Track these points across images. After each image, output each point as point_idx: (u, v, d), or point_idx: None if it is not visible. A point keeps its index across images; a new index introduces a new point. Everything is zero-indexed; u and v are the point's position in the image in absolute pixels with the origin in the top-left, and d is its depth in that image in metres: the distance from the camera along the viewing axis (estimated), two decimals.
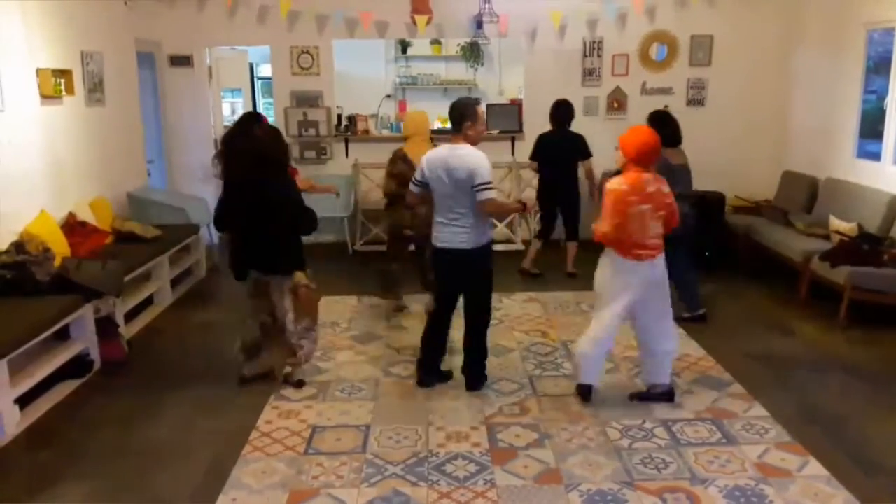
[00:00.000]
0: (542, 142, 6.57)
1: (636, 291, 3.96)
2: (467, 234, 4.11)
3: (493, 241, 4.38)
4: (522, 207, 4.39)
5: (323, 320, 5.62)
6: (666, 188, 3.96)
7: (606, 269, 4.03)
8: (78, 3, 6.03)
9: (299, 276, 4.28)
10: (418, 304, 5.72)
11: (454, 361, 4.60)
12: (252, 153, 4.07)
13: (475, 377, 4.40)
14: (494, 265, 4.34)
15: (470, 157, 4.03)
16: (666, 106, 7.88)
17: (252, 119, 4.72)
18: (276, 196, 4.13)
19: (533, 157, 6.63)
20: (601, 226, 3.93)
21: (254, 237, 4.20)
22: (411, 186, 4.28)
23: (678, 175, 4.97)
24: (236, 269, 4.37)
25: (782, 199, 7.45)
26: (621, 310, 4.01)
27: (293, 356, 4.41)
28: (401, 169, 5.20)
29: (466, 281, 4.27)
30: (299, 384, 4.43)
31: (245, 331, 4.47)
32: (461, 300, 4.39)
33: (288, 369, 4.45)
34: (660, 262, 4.00)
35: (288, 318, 4.32)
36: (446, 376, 4.50)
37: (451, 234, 4.12)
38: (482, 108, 4.23)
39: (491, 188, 4.01)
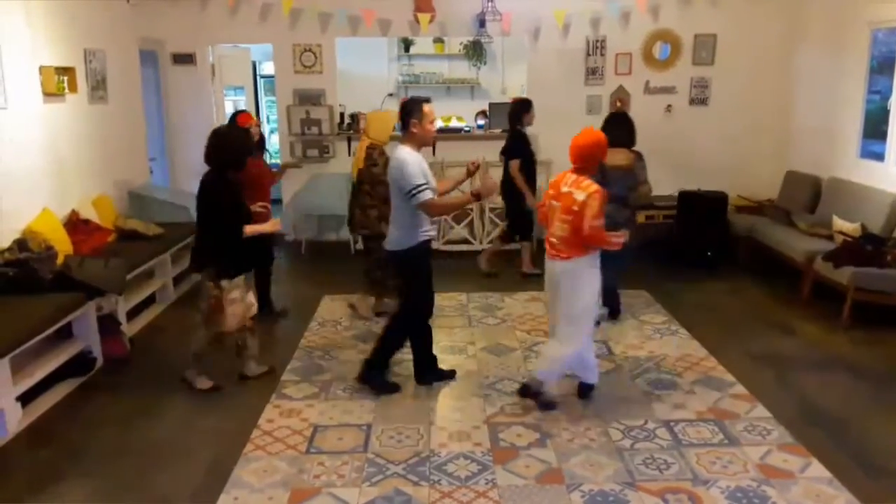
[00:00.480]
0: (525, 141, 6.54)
1: (546, 287, 4.13)
2: (395, 235, 4.15)
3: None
4: (476, 198, 4.10)
5: (324, 319, 5.65)
6: (580, 196, 3.79)
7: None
8: (81, 2, 6.03)
9: (209, 285, 4.22)
10: None
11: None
12: (206, 147, 4.20)
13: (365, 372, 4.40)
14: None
15: (395, 160, 4.02)
16: (669, 107, 7.91)
17: (231, 117, 5.00)
18: (204, 190, 4.18)
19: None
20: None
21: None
22: (430, 193, 4.18)
23: (610, 176, 4.73)
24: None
25: (785, 199, 7.43)
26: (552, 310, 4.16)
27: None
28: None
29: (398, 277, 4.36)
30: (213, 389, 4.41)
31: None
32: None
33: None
34: (561, 265, 3.92)
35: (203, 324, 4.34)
36: (444, 375, 4.51)
37: (389, 233, 4.23)
38: (430, 106, 4.05)
39: (423, 190, 3.92)
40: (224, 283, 4.20)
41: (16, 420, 3.91)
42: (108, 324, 4.89)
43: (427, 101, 4.09)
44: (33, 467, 3.60)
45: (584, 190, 3.82)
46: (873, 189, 6.16)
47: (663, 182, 7.84)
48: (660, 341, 5.15)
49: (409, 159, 3.96)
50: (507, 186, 6.44)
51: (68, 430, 3.96)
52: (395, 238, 4.14)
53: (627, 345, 5.09)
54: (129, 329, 5.25)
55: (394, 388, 4.34)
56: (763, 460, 3.55)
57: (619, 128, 5.21)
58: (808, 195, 7.08)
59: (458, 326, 5.48)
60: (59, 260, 4.78)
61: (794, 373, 4.63)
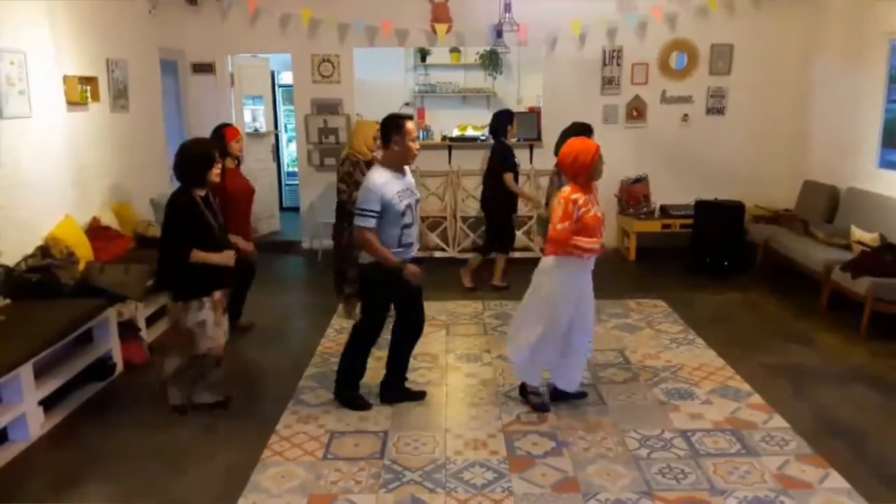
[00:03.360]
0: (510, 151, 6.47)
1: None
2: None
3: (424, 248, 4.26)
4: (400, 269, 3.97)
5: (341, 325, 5.68)
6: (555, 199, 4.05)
7: (567, 270, 4.07)
8: (104, 12, 6.14)
9: (172, 306, 4.07)
10: None
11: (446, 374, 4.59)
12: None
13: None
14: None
15: (365, 178, 3.99)
16: (685, 116, 7.89)
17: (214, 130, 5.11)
18: (166, 206, 4.01)
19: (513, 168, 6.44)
20: None
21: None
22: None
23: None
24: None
25: (803, 209, 7.40)
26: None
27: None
28: None
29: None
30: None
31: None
32: (395, 315, 4.36)
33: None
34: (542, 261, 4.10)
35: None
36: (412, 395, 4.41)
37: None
38: (412, 124, 3.96)
39: (364, 216, 3.86)
40: (190, 303, 3.98)
41: (38, 424, 3.97)
42: (127, 330, 4.95)
43: (409, 118, 4.02)
44: (54, 470, 3.65)
45: (560, 196, 4.00)
46: (892, 199, 6.11)
47: (680, 191, 7.86)
48: (676, 351, 5.14)
49: (374, 182, 3.87)
50: (494, 201, 6.41)
51: (89, 434, 4.01)
52: (363, 252, 4.05)
53: (644, 354, 5.08)
54: (148, 335, 5.31)
55: (364, 406, 4.25)
56: (781, 471, 3.53)
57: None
58: (826, 205, 7.04)
59: (473, 334, 5.49)
60: (81, 266, 4.85)
61: (812, 383, 4.60)
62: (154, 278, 4.22)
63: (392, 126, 3.93)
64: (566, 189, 3.95)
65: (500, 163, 6.33)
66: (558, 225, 3.88)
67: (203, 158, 3.97)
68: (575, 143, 4.02)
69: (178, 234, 3.90)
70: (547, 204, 5.71)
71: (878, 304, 5.29)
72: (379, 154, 4.52)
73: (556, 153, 5.10)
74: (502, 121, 6.38)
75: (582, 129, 5.14)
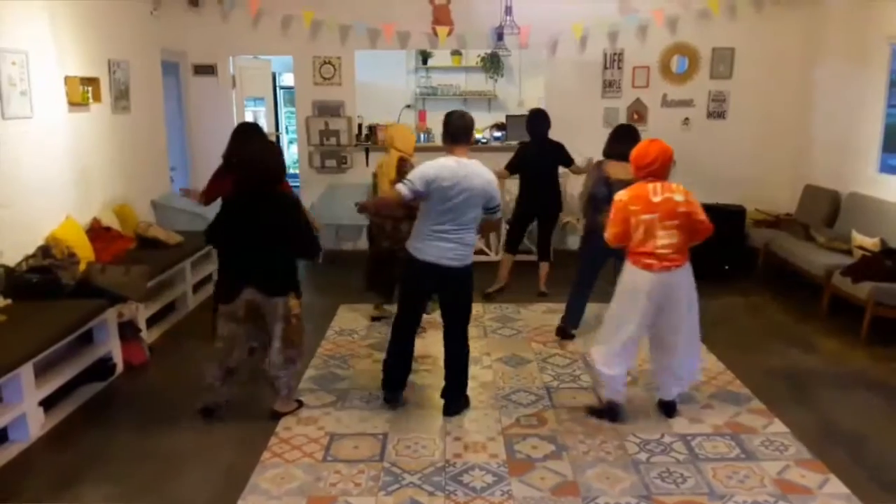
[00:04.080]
0: (524, 154, 6.37)
1: (645, 302, 3.91)
2: (463, 251, 4.02)
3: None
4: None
5: (341, 328, 5.68)
6: (680, 197, 3.89)
7: (623, 274, 4.04)
8: (106, 13, 6.14)
9: (294, 304, 4.03)
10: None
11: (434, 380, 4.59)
12: (260, 164, 3.92)
13: (458, 399, 4.27)
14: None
15: (486, 173, 3.98)
16: (686, 120, 7.89)
17: (255, 130, 4.86)
18: (282, 210, 3.94)
19: (514, 169, 6.36)
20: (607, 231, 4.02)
21: (253, 254, 3.90)
22: (402, 187, 3.96)
23: (614, 190, 4.83)
24: (228, 288, 4.00)
25: (803, 213, 7.40)
26: (639, 320, 3.95)
27: (273, 389, 4.17)
28: (373, 182, 5.29)
29: (455, 299, 4.15)
30: (297, 405, 4.26)
31: (224, 356, 4.09)
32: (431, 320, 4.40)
33: (278, 406, 4.20)
34: (677, 274, 3.92)
35: (274, 346, 4.00)
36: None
37: (442, 249, 3.96)
38: None
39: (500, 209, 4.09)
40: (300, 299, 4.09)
41: (38, 424, 3.97)
42: (128, 331, 4.95)
43: None
44: (54, 471, 3.65)
45: (679, 191, 3.89)
46: (893, 204, 6.11)
47: None
48: None
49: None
50: (559, 202, 6.42)
51: (88, 434, 4.01)
52: (463, 254, 4.05)
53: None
54: (149, 336, 5.32)
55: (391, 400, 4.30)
56: (780, 475, 3.53)
57: (628, 142, 4.95)
58: (826, 209, 7.04)
59: (473, 337, 5.44)
60: (82, 267, 4.85)
61: (812, 388, 4.60)
62: (276, 279, 3.97)
63: (473, 126, 4.19)
64: (678, 184, 3.93)
65: (563, 160, 6.29)
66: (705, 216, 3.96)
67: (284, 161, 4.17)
68: (661, 142, 3.97)
69: (303, 228, 4.02)
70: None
71: (879, 309, 5.29)
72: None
73: (608, 155, 5.13)
74: (547, 120, 6.32)
75: (632, 131, 5.20)
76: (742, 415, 4.19)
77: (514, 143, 7.92)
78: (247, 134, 4.84)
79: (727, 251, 7.03)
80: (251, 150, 4.05)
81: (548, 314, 5.99)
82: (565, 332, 5.44)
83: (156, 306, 5.61)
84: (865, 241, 5.98)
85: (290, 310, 4.00)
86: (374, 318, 5.85)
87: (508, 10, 7.22)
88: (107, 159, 6.12)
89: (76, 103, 5.55)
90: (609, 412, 4.12)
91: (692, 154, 7.89)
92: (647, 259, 3.88)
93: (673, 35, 7.85)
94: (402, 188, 3.95)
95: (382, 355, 4.53)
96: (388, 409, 4.27)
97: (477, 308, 6.12)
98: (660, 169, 3.91)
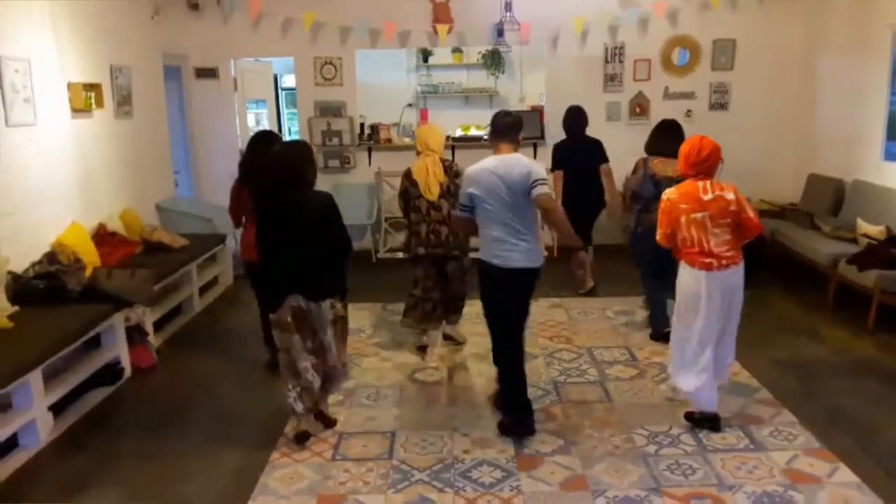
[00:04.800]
0: (561, 151, 6.30)
1: (708, 303, 3.79)
2: (538, 250, 3.84)
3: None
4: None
5: (349, 327, 5.68)
6: (731, 195, 3.78)
7: (680, 277, 3.93)
8: (107, 19, 6.16)
9: (340, 307, 3.89)
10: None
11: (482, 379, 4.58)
12: (291, 168, 3.73)
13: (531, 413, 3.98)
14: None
15: (524, 159, 3.77)
16: (688, 112, 7.86)
17: (269, 137, 4.76)
18: (320, 210, 3.75)
19: (555, 166, 6.26)
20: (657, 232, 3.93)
21: (300, 258, 3.73)
22: (457, 212, 3.93)
23: (662, 188, 4.82)
24: (275, 296, 3.78)
25: (808, 203, 7.37)
26: (703, 323, 3.82)
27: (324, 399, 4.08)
28: (404, 187, 5.00)
29: (527, 303, 3.94)
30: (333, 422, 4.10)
31: (293, 371, 3.81)
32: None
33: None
34: (736, 272, 3.84)
35: (331, 353, 3.86)
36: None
37: (521, 251, 3.73)
38: None
39: (546, 184, 3.69)
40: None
41: (48, 429, 3.99)
42: (135, 335, 4.97)
43: None
44: (64, 475, 3.68)
45: (729, 189, 3.80)
46: None
47: None
48: None
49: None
50: (600, 194, 6.28)
51: (97, 439, 4.03)
52: (537, 254, 3.84)
53: (651, 350, 5.08)
54: (156, 340, 5.33)
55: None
56: (789, 465, 3.53)
57: (675, 137, 4.86)
58: (831, 198, 7.01)
59: (479, 333, 5.47)
60: (88, 272, 4.87)
61: (820, 377, 4.59)
62: (321, 283, 3.81)
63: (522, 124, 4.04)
64: (726, 182, 3.85)
65: (600, 157, 6.25)
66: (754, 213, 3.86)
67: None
68: (710, 139, 3.87)
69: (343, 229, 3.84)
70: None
71: (886, 297, 5.27)
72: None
73: (653, 152, 5.10)
74: (583, 116, 6.29)
75: (677, 127, 5.16)
76: (750, 405, 4.19)
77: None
78: (259, 143, 4.65)
79: None
80: (264, 159, 3.89)
81: (553, 309, 5.99)
82: (660, 334, 5.12)
83: (162, 310, 5.63)
84: (871, 229, 5.96)
85: (337, 313, 3.86)
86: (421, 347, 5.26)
87: (508, 7, 7.22)
88: (111, 164, 6.14)
89: (79, 109, 5.57)
90: (707, 421, 3.94)
91: None
92: (705, 258, 3.77)
93: (674, 28, 7.83)
94: (455, 212, 3.96)
95: (388, 353, 4.49)
96: (395, 406, 4.27)
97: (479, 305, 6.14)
98: (712, 166, 3.81)
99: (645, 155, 5.20)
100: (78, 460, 3.80)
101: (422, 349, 5.13)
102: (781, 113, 7.92)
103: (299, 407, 3.81)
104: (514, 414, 3.91)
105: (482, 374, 4.69)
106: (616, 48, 7.90)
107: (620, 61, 7.94)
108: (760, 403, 4.21)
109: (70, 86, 5.49)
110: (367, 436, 3.94)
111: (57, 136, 5.32)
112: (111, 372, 4.69)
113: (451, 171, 4.93)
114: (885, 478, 3.40)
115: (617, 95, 7.99)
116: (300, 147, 3.95)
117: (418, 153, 5.03)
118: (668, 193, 3.87)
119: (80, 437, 4.07)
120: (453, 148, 8.13)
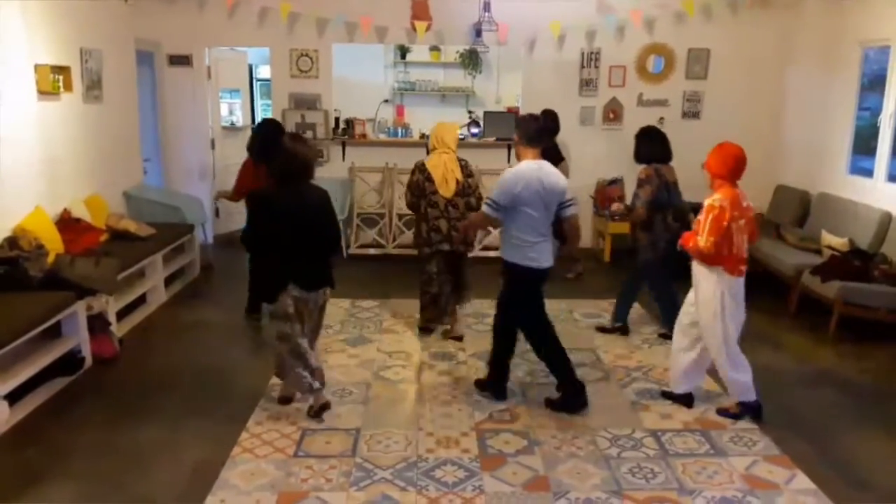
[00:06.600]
0: None
1: (741, 308, 4.05)
2: (553, 250, 4.23)
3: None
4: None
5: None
6: (746, 201, 3.97)
7: (716, 289, 3.98)
8: (78, 0, 6.03)
9: (328, 295, 4.16)
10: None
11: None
12: (301, 161, 3.90)
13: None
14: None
15: (556, 171, 4.14)
16: (661, 119, 7.93)
17: (280, 126, 4.94)
18: (322, 201, 3.99)
19: None
20: (699, 241, 3.91)
21: (301, 250, 3.89)
22: (490, 211, 4.07)
23: (673, 195, 5.02)
24: (273, 286, 3.91)
25: (774, 213, 7.50)
26: (736, 328, 4.06)
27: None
28: (416, 179, 5.04)
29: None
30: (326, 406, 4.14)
31: (296, 354, 4.00)
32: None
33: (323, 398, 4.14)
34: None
35: (317, 338, 4.28)
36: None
37: (549, 251, 4.16)
38: None
39: (576, 204, 4.23)
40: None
41: (2, 419, 3.89)
42: (97, 324, 4.87)
43: None
44: (18, 467, 3.58)
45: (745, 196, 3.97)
46: (862, 204, 6.23)
47: None
48: (648, 351, 5.18)
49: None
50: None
51: (55, 429, 3.94)
52: (503, 246, 4.24)
53: (616, 354, 5.12)
54: (119, 329, 5.24)
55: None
56: (748, 471, 3.58)
57: (666, 143, 5.19)
58: (797, 209, 7.14)
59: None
60: (50, 259, 4.77)
61: (781, 385, 4.66)
62: (319, 272, 4.02)
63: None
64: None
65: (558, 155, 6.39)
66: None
67: None
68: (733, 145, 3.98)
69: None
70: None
71: (847, 308, 5.38)
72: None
73: (651, 159, 5.11)
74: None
75: (662, 133, 5.28)
76: (711, 411, 4.24)
77: (492, 139, 7.96)
78: (279, 129, 5.16)
79: None
80: (287, 144, 3.96)
81: None
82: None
83: (127, 299, 5.54)
84: (834, 240, 6.08)
85: (326, 300, 4.14)
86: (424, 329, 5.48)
87: (487, 7, 7.22)
88: (78, 149, 6.01)
89: (46, 92, 5.44)
90: (750, 409, 4.12)
91: None
92: (742, 265, 3.97)
93: (650, 35, 7.91)
94: (489, 211, 4.09)
95: (355, 350, 4.46)
96: (360, 403, 4.25)
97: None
98: (744, 171, 3.99)
99: (643, 165, 5.17)
100: (33, 452, 3.70)
101: (426, 330, 5.41)
102: (752, 123, 8.03)
103: (317, 384, 4.03)
104: (573, 387, 4.20)
105: (448, 373, 4.69)
106: (592, 53, 7.96)
107: (596, 67, 8.00)
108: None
109: (37, 67, 5.36)
110: (331, 432, 3.91)
111: (22, 119, 5.19)
112: (71, 361, 4.59)
113: (467, 170, 5.11)
114: (842, 486, 3.46)
115: (591, 100, 8.05)
116: (306, 141, 4.11)
117: (432, 149, 5.16)
118: (719, 201, 3.88)
119: (37, 427, 3.98)
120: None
